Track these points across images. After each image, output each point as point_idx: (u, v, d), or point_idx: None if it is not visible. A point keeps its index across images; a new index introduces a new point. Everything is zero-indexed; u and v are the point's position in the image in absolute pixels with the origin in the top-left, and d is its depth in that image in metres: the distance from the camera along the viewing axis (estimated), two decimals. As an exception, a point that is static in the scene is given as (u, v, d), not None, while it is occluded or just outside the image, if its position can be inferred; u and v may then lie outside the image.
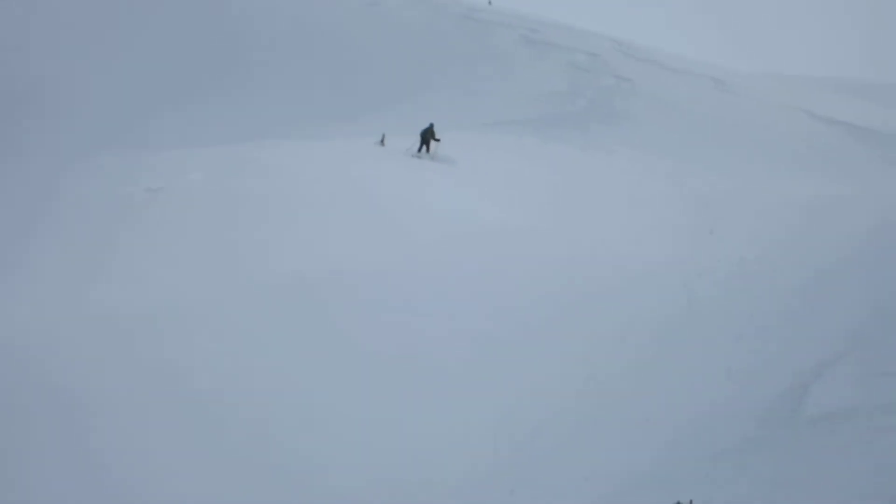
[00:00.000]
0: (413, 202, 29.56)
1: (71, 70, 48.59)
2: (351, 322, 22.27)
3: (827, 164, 38.29)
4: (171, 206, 27.80)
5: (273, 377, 20.16)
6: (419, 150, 35.66)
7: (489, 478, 17.44)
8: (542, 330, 22.52)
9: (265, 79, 49.08)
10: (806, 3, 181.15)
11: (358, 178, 30.69)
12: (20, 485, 16.79)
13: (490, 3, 65.39)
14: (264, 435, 18.39)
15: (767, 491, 13.21)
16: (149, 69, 49.55)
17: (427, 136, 35.72)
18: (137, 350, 20.69)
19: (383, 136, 36.45)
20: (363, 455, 17.98)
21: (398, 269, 24.73)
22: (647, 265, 26.39)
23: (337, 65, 50.90)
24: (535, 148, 38.11)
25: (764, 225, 29.68)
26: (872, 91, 52.73)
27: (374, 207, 28.38)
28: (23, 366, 19.92)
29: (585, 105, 45.49)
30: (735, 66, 61.90)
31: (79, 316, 21.82)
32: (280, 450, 18.02)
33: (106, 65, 49.60)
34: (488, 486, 17.18)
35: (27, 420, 18.39)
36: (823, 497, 11.95)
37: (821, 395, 16.91)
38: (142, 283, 23.42)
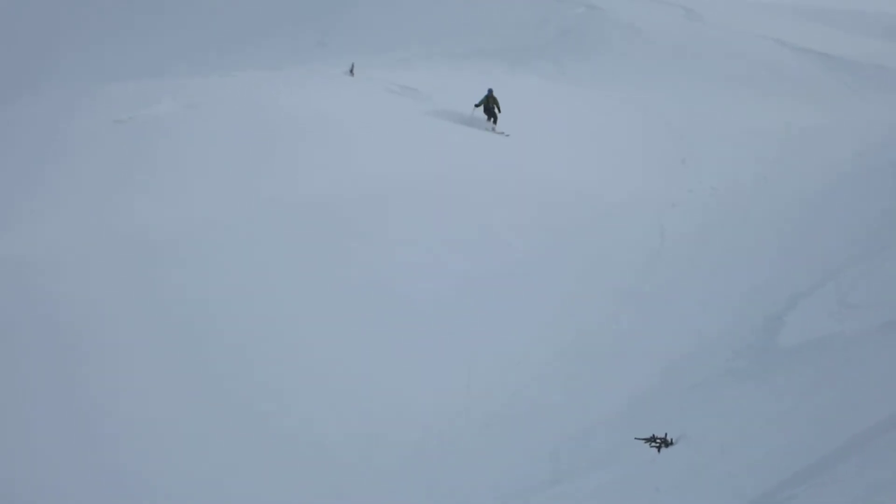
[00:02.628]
0: (381, 135, 29.26)
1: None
2: (326, 251, 22.08)
3: (799, 93, 38.10)
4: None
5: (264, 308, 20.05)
6: (488, 121, 32.20)
7: (463, 412, 17.40)
8: (516, 265, 22.41)
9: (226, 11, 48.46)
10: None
11: (331, 110, 30.31)
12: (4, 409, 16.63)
13: None
14: (245, 367, 18.27)
15: (741, 422, 13.21)
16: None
17: (490, 105, 32.17)
18: (139, 281, 20.47)
19: (352, 66, 36.02)
20: (335, 388, 17.90)
21: (364, 199, 24.50)
22: (621, 198, 26.27)
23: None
24: (504, 79, 37.77)
25: (736, 155, 29.59)
26: (844, 18, 52.32)
27: (346, 138, 28.04)
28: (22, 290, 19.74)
29: (555, 35, 45.04)
30: (706, -5, 61.41)
31: (81, 244, 21.56)
32: (255, 384, 17.90)
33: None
34: (462, 421, 17.16)
35: (20, 345, 18.18)
36: (797, 428, 11.94)
37: (795, 326, 16.97)
38: (141, 212, 23.12)
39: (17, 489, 15.06)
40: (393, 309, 20.17)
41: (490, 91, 32.23)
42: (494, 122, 31.93)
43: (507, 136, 31.08)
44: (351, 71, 35.69)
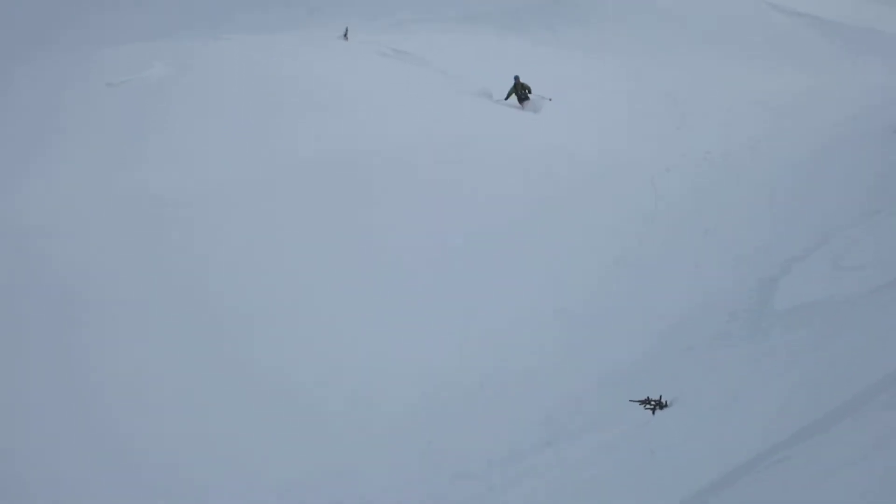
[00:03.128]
0: (375, 98, 29.13)
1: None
2: (322, 215, 22.03)
3: (792, 57, 38.01)
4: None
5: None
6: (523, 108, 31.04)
7: (456, 375, 17.40)
8: (509, 229, 22.37)
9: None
10: None
11: (326, 72, 30.18)
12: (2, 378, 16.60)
13: None
14: (244, 329, 18.27)
15: (736, 385, 13.22)
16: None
17: (520, 93, 31.12)
18: (142, 246, 20.40)
19: (346, 30, 35.81)
20: (329, 352, 17.89)
21: (358, 162, 24.44)
22: (614, 163, 26.21)
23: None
24: (496, 43, 37.63)
25: (730, 120, 29.54)
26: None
27: (340, 100, 27.91)
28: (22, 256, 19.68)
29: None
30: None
31: (84, 208, 21.49)
32: (253, 346, 17.91)
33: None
34: (455, 384, 17.16)
35: (19, 309, 18.14)
36: (791, 390, 11.95)
37: (789, 289, 16.97)
38: (143, 175, 23.04)
39: (14, 455, 15.07)
40: (387, 273, 20.15)
41: (516, 78, 31.16)
42: (529, 101, 30.93)
43: (551, 100, 30.67)
44: (345, 35, 35.48)
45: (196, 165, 23.39)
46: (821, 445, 8.28)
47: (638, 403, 13.26)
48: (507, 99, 30.92)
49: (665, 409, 13.01)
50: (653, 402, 13.18)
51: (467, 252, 21.11)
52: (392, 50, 34.25)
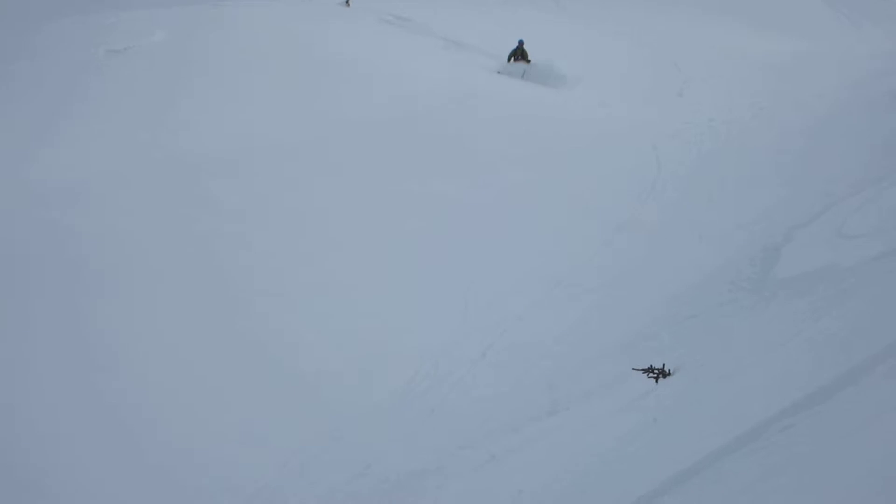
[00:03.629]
0: (379, 65, 29.05)
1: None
2: (323, 180, 22.04)
3: (795, 25, 37.96)
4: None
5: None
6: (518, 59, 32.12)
7: (459, 341, 17.40)
8: (510, 194, 22.37)
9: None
10: None
11: (330, 37, 30.09)
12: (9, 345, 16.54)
13: None
14: (250, 299, 18.26)
15: (739, 353, 13.20)
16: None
17: (517, 56, 31.93)
18: (164, 207, 20.36)
19: (348, -4, 35.74)
20: (329, 320, 17.87)
21: (369, 133, 24.41)
22: (618, 128, 26.19)
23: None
24: (500, 12, 37.53)
25: (734, 87, 29.50)
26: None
27: (344, 68, 27.86)
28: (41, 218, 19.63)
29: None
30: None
31: (110, 170, 21.42)
32: (257, 315, 17.88)
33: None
34: (458, 350, 17.16)
35: (32, 278, 18.08)
36: (794, 358, 11.91)
37: (792, 257, 16.91)
38: (158, 141, 22.98)
39: (19, 420, 15.05)
40: (388, 241, 20.14)
41: (520, 42, 31.79)
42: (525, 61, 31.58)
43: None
44: (347, 2, 35.38)
45: (209, 131, 23.36)
46: (824, 414, 8.27)
47: (641, 372, 13.24)
48: (509, 62, 31.35)
49: (668, 378, 12.98)
50: (656, 371, 13.15)
51: (467, 218, 21.11)
52: (394, 17, 34.16)
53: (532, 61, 31.26)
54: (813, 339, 12.32)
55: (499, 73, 31.07)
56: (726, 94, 28.82)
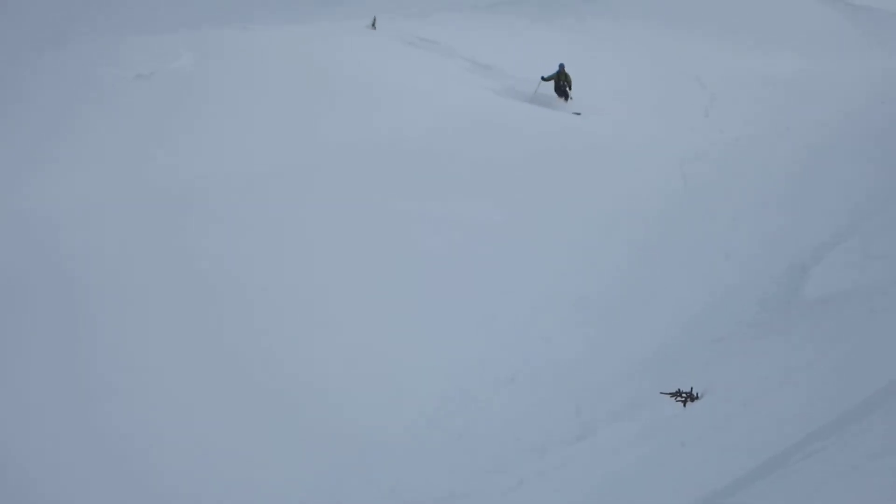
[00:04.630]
0: (403, 88, 29.13)
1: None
2: (349, 204, 22.09)
3: (820, 42, 37.81)
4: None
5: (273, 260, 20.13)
6: (560, 97, 30.32)
7: (486, 365, 17.38)
8: (536, 213, 22.37)
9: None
10: None
11: (352, 61, 30.20)
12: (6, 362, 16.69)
13: None
14: (263, 324, 18.29)
15: (766, 376, 13.16)
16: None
17: (561, 82, 30.23)
18: (159, 237, 20.47)
19: (374, 19, 35.82)
20: (355, 345, 17.87)
21: (392, 154, 24.47)
22: (644, 147, 26.18)
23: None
24: (524, 34, 37.57)
25: (759, 105, 29.44)
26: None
27: (364, 90, 27.95)
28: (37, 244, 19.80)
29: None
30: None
31: (103, 198, 21.58)
32: (273, 341, 17.89)
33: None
34: (485, 374, 17.15)
35: (28, 304, 18.22)
36: (821, 381, 11.89)
37: (820, 277, 16.86)
38: (165, 166, 23.15)
39: (14, 451, 15.10)
40: (412, 262, 20.15)
41: (561, 66, 30.34)
42: (566, 99, 30.08)
43: (579, 114, 29.50)
44: (373, 24, 35.50)
45: (218, 157, 23.46)
46: (853, 436, 8.25)
47: (668, 396, 13.23)
48: (545, 80, 30.28)
49: (696, 401, 12.97)
50: (683, 394, 13.15)
51: (490, 239, 21.11)
52: (419, 39, 34.27)
53: (572, 98, 30.16)
54: (840, 361, 12.30)
55: (531, 101, 30.31)
56: (751, 114, 28.76)
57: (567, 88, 30.15)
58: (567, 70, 30.36)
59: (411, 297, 19.23)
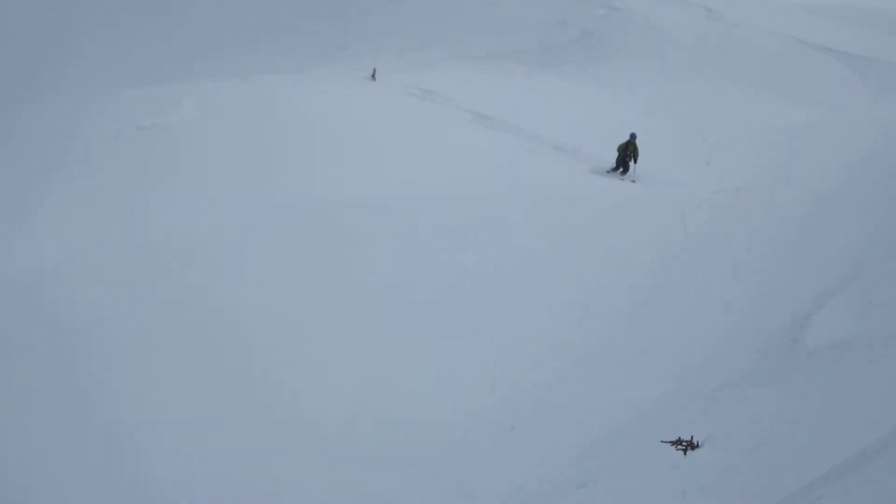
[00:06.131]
0: (399, 140, 29.32)
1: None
2: (342, 255, 22.21)
3: (820, 91, 38.07)
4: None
5: (270, 307, 20.18)
6: (615, 169, 29.43)
7: (487, 414, 17.40)
8: (537, 263, 22.43)
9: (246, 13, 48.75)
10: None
11: (351, 115, 30.44)
12: (14, 418, 16.84)
13: None
14: (259, 371, 18.44)
15: (768, 423, 13.14)
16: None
17: (628, 151, 29.27)
18: (148, 284, 20.72)
19: (374, 71, 36.11)
20: (355, 393, 17.97)
21: (386, 202, 24.61)
22: (644, 196, 26.27)
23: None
24: (525, 80, 37.83)
25: (760, 154, 29.55)
26: (862, 16, 52.13)
27: (364, 143, 28.17)
28: (29, 300, 19.95)
29: (577, 36, 45.08)
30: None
31: (92, 250, 21.85)
32: (270, 388, 18.05)
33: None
34: (487, 423, 17.16)
35: (28, 355, 18.41)
36: (824, 427, 11.88)
37: (821, 325, 16.82)
38: (153, 217, 23.41)
39: (26, 495, 15.25)
40: (411, 311, 20.28)
41: (632, 136, 29.34)
42: (624, 172, 29.21)
43: (634, 182, 28.74)
44: (373, 76, 35.80)
45: (207, 209, 23.75)
46: (853, 486, 8.26)
47: (669, 444, 13.19)
48: (620, 154, 29.26)
49: (696, 450, 12.94)
50: (684, 443, 13.11)
51: (492, 288, 21.22)
52: (420, 90, 34.51)
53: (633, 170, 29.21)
54: (840, 410, 12.29)
55: (608, 172, 29.32)
56: (752, 163, 28.86)
57: (631, 161, 29.16)
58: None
59: (408, 347, 19.33)
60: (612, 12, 47.78)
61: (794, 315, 17.64)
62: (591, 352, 18.87)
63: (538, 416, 17.03)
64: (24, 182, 25.28)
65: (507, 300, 20.89)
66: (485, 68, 39.32)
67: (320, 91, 32.81)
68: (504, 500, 14.48)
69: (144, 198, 24.30)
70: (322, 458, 16.29)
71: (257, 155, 26.93)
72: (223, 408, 17.42)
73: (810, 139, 30.91)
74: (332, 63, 40.23)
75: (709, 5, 50.98)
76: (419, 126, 30.45)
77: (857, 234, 21.00)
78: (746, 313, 18.86)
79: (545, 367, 18.61)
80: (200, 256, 21.90)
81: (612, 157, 29.36)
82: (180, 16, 50.24)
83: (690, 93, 37.15)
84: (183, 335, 19.30)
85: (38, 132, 28.99)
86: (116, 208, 23.80)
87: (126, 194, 24.48)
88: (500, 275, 21.80)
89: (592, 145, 30.52)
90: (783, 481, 9.89)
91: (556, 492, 14.01)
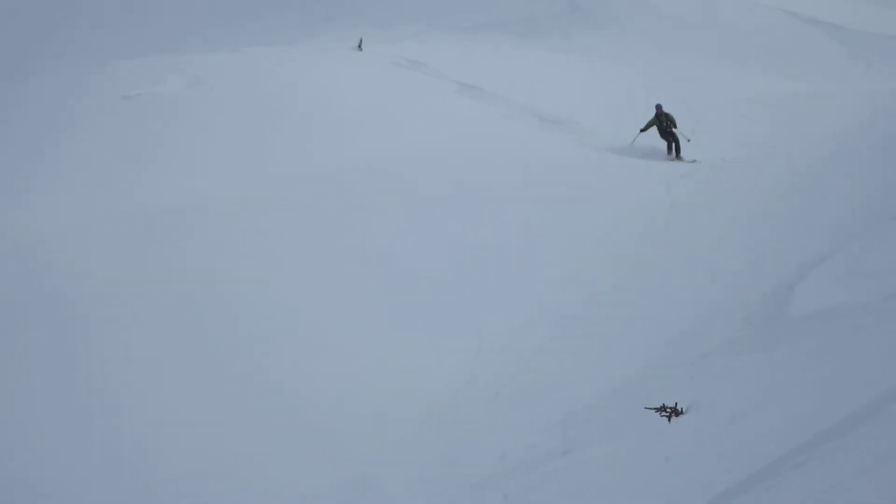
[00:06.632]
0: (387, 109, 29.23)
1: None
2: (331, 224, 22.17)
3: (808, 63, 38.00)
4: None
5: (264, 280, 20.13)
6: (670, 151, 27.70)
7: (472, 382, 17.43)
8: (523, 233, 22.41)
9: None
10: None
11: (337, 84, 30.33)
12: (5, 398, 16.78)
13: None
14: (249, 341, 18.42)
15: (752, 391, 13.18)
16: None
17: (664, 125, 27.67)
18: (142, 253, 20.68)
19: (360, 41, 35.94)
20: (340, 362, 17.97)
21: (374, 172, 24.57)
22: (630, 168, 26.25)
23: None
24: (512, 51, 37.70)
25: (745, 125, 29.52)
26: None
27: (351, 112, 28.08)
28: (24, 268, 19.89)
29: (564, 7, 44.87)
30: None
31: (87, 219, 21.77)
32: (259, 358, 18.06)
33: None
34: (471, 391, 17.18)
35: (21, 320, 18.35)
36: (809, 394, 11.92)
37: (806, 294, 16.87)
38: (147, 187, 23.31)
39: (15, 466, 15.19)
40: (399, 280, 20.32)
41: (658, 108, 27.88)
42: (677, 149, 27.59)
43: (696, 161, 27.16)
44: (359, 46, 35.65)
45: (199, 178, 23.67)
46: (837, 452, 8.27)
47: (653, 411, 13.22)
48: (644, 131, 27.88)
49: (680, 417, 12.97)
50: (668, 410, 13.14)
51: (478, 258, 21.20)
52: (407, 60, 34.37)
53: (688, 138, 27.74)
54: (826, 376, 12.33)
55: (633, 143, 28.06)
56: (739, 134, 28.84)
57: (673, 129, 27.78)
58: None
59: (396, 316, 19.34)
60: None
61: (779, 284, 17.69)
62: (577, 320, 18.89)
63: (523, 384, 17.05)
64: (20, 148, 25.16)
65: (491, 270, 20.89)
66: (472, 39, 39.17)
67: (308, 62, 32.68)
68: (488, 467, 14.49)
69: (138, 167, 24.23)
70: (303, 430, 16.30)
71: (246, 124, 26.89)
72: (211, 380, 17.41)
73: (797, 112, 30.88)
74: (319, 34, 40.06)
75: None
76: (406, 96, 30.36)
77: (843, 205, 21.04)
78: (731, 283, 18.90)
79: (530, 335, 18.63)
80: (193, 225, 21.86)
81: (601, 129, 29.29)
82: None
83: (677, 65, 37.05)
84: (173, 304, 19.31)
85: (33, 105, 28.86)
86: (111, 178, 23.73)
87: (120, 163, 24.42)
88: (486, 244, 21.79)
89: (580, 116, 30.47)
90: (767, 448, 9.92)
91: (540, 458, 14.03)
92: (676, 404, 13.20)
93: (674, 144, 27.81)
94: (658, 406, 13.23)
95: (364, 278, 20.38)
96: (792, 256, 18.86)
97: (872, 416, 8.98)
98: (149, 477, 15.22)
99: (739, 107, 31.76)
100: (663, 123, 27.78)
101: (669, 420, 12.96)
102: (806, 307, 16.26)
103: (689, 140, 27.63)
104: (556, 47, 38.76)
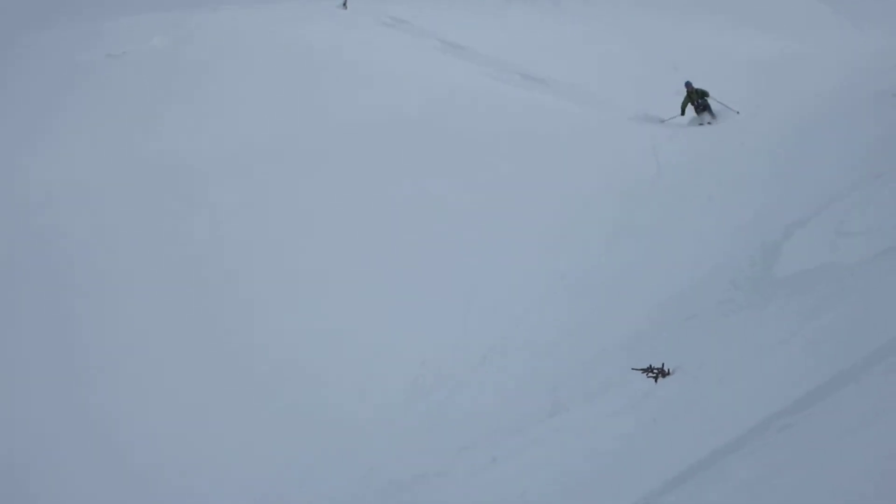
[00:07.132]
0: (373, 67, 29.08)
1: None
2: (321, 182, 22.11)
3: (793, 24, 37.91)
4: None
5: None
6: (701, 118, 27.81)
7: (458, 345, 17.44)
8: (508, 194, 22.39)
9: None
10: None
11: (322, 40, 30.13)
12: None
13: None
14: (241, 303, 18.42)
15: (738, 353, 13.19)
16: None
17: (697, 102, 27.80)
18: (143, 208, 20.54)
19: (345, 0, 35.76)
20: (328, 325, 17.95)
21: (368, 134, 24.47)
22: (617, 128, 26.19)
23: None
24: (497, 10, 37.52)
25: (731, 86, 29.43)
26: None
27: (337, 70, 27.92)
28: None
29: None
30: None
31: (98, 173, 21.61)
32: (250, 319, 18.03)
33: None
34: (458, 354, 17.20)
35: (15, 279, 18.27)
36: (794, 357, 11.91)
37: (791, 255, 16.89)
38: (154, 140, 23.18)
39: (5, 431, 15.17)
40: (386, 245, 20.19)
41: (688, 84, 27.97)
42: (710, 113, 27.75)
43: (738, 112, 27.51)
44: (344, 4, 35.43)
45: (197, 135, 23.47)
46: (824, 412, 8.29)
47: (640, 372, 13.25)
48: (682, 114, 27.78)
49: (667, 378, 13.00)
50: (655, 371, 13.17)
51: (466, 220, 21.17)
52: (392, 19, 34.19)
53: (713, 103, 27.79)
54: (812, 337, 12.33)
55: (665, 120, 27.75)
56: (725, 94, 28.78)
57: (707, 99, 27.88)
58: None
59: (386, 280, 19.31)
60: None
61: (765, 245, 17.70)
62: (563, 282, 18.91)
63: (511, 347, 17.08)
64: (27, 114, 24.98)
65: (480, 232, 20.88)
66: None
67: (291, 18, 32.45)
68: (477, 429, 14.52)
69: (143, 128, 24.06)
70: (295, 392, 16.33)
71: (240, 82, 26.71)
72: (199, 338, 17.38)
73: (782, 71, 30.86)
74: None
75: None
76: (389, 54, 30.20)
77: (828, 165, 21.04)
78: (717, 244, 18.90)
79: (517, 298, 18.64)
80: (201, 187, 21.71)
81: (584, 90, 29.22)
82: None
83: (661, 25, 36.94)
84: (173, 263, 19.24)
85: (32, 69, 28.62)
86: (118, 138, 23.57)
87: (124, 124, 24.26)
88: (471, 205, 21.77)
89: (566, 77, 30.37)
90: (753, 409, 9.93)
91: (527, 420, 14.06)
92: (663, 365, 13.22)
93: (707, 112, 27.77)
94: (645, 367, 13.26)
95: (351, 244, 20.34)
96: (778, 217, 18.86)
97: (859, 376, 8.99)
98: (126, 437, 15.26)
99: (726, 67, 31.69)
100: (695, 101, 27.83)
101: (656, 381, 12.98)
102: (792, 268, 16.27)
103: (737, 112, 27.50)
104: (541, 8, 38.61)
